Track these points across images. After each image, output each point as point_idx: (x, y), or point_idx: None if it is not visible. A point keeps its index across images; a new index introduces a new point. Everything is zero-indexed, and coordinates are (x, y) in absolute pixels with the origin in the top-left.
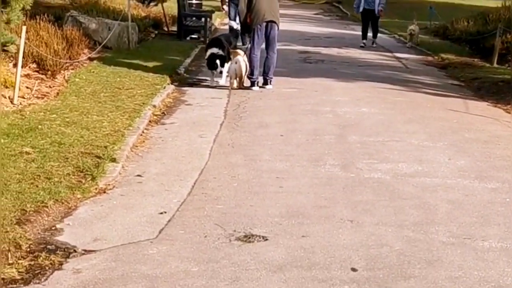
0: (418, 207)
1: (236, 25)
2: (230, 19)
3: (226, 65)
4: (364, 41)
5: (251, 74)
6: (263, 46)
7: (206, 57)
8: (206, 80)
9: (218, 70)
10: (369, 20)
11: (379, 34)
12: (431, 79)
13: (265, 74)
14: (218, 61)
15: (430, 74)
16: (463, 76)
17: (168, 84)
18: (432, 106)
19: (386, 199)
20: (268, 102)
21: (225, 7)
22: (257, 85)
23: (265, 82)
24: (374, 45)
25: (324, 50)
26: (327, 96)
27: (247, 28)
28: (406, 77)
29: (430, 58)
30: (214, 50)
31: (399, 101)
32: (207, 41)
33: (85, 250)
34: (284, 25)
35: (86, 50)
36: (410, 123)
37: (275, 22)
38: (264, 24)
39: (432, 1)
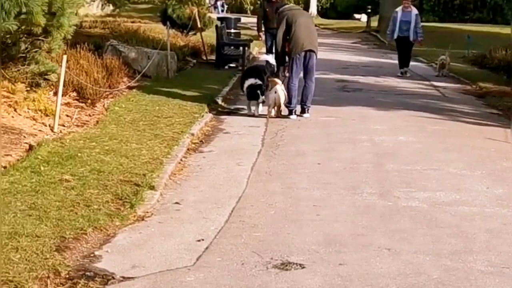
0: (456, 235)
1: (272, 59)
2: (266, 50)
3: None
4: (402, 71)
5: (289, 103)
6: (301, 75)
7: (245, 87)
8: (244, 109)
9: (260, 100)
10: (403, 47)
11: (415, 63)
12: (469, 108)
13: (303, 102)
14: (259, 91)
15: (468, 103)
16: (501, 105)
17: (206, 112)
18: (470, 135)
19: (423, 228)
20: (306, 130)
21: (262, 35)
22: (295, 114)
23: (303, 111)
24: (408, 75)
25: (361, 79)
26: (364, 124)
27: (283, 58)
28: (444, 105)
29: (468, 87)
30: (252, 80)
31: (437, 130)
32: (243, 70)
33: (123, 277)
34: (322, 54)
35: (125, 79)
36: (448, 151)
37: (313, 51)
38: (303, 53)
39: (470, 30)
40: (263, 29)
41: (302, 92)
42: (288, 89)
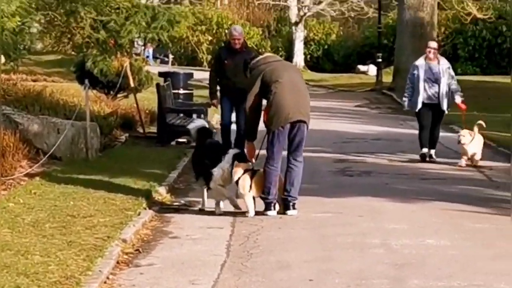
0: None
1: (203, 122)
2: (221, 127)
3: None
4: (425, 150)
5: (266, 194)
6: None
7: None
8: (200, 202)
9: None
10: (429, 119)
11: (446, 134)
12: None
13: (286, 194)
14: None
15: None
16: None
17: (145, 208)
18: None
19: None
20: (291, 232)
21: (217, 102)
22: (275, 209)
23: (286, 206)
24: (434, 158)
25: (370, 158)
26: (376, 222)
27: (255, 133)
28: (491, 194)
29: None
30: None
31: (481, 229)
32: (195, 148)
33: None
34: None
35: (24, 162)
36: (498, 260)
37: (304, 122)
38: (289, 125)
39: None
40: (219, 93)
41: (285, 178)
42: (266, 175)
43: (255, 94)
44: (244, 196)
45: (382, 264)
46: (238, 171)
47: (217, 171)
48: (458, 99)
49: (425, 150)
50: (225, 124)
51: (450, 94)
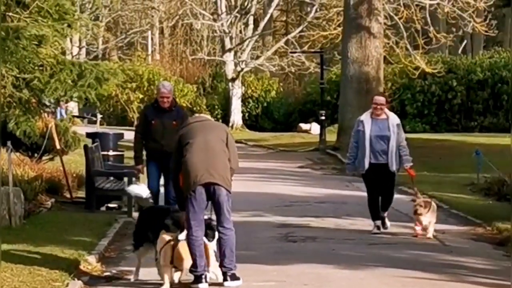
0: None
1: (144, 190)
2: (149, 186)
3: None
4: (378, 223)
5: (193, 266)
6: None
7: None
8: (132, 272)
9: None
10: (379, 183)
11: (397, 195)
12: (483, 261)
13: (221, 264)
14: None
15: (481, 254)
16: None
17: (73, 279)
18: None
19: None
20: None
21: (143, 167)
22: (206, 281)
23: (224, 277)
24: (388, 228)
25: (314, 222)
26: None
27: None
28: (444, 259)
29: (480, 230)
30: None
31: None
32: (140, 214)
33: None
34: (253, 185)
35: None
36: None
37: (218, 185)
38: (201, 189)
39: (478, 143)
40: (144, 157)
41: (219, 247)
42: (188, 246)
43: (176, 158)
44: (162, 267)
45: None
46: (162, 241)
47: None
48: (408, 164)
49: (378, 223)
50: (152, 192)
51: (399, 156)
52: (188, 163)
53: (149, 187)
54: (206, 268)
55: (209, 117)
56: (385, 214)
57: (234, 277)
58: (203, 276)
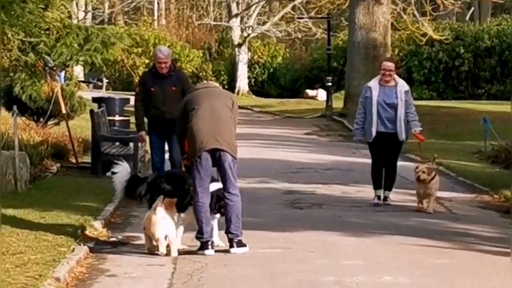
0: None
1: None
2: (152, 167)
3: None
4: (379, 193)
5: (199, 232)
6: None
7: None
8: (139, 237)
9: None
10: (385, 152)
11: (403, 162)
12: (489, 229)
13: (226, 230)
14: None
15: (487, 222)
16: None
17: (79, 245)
18: (493, 271)
19: None
20: (237, 270)
21: (145, 135)
22: (212, 248)
23: (230, 243)
24: (389, 201)
25: (321, 189)
26: (329, 259)
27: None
28: (451, 227)
29: (487, 198)
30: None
31: (442, 265)
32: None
33: None
34: (258, 151)
35: None
36: None
37: (224, 151)
38: (206, 154)
39: (486, 110)
40: (145, 125)
41: (225, 212)
42: (195, 211)
43: (181, 124)
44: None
45: None
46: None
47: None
48: (416, 129)
49: (379, 192)
50: (157, 166)
51: (407, 122)
52: (194, 129)
53: (153, 161)
54: (212, 235)
55: (216, 84)
56: (388, 194)
57: (241, 244)
58: (209, 243)
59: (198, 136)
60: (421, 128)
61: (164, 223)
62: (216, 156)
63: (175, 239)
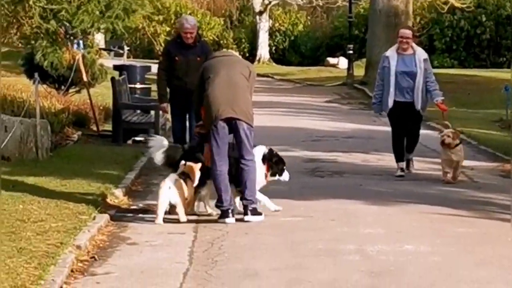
0: None
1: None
2: (174, 137)
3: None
4: (402, 165)
5: (218, 201)
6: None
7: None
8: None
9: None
10: (404, 122)
11: (425, 131)
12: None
13: (242, 197)
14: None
15: (509, 190)
16: None
17: (100, 213)
18: None
19: None
20: (258, 238)
21: (167, 106)
22: (233, 216)
23: (245, 211)
24: (412, 170)
25: (342, 157)
26: (350, 227)
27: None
28: (473, 196)
29: (508, 166)
30: None
31: (464, 234)
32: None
33: None
34: (279, 119)
35: None
36: (483, 266)
37: (240, 120)
38: (222, 123)
39: (507, 79)
40: (167, 98)
41: (241, 178)
42: (213, 180)
43: (198, 92)
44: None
45: (358, 272)
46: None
47: None
48: (438, 98)
49: (402, 165)
50: (178, 136)
51: (427, 93)
52: (210, 97)
53: (173, 127)
54: (232, 203)
55: (234, 52)
56: (411, 157)
57: (255, 212)
58: (230, 211)
59: (214, 104)
60: (443, 98)
61: (169, 192)
62: (232, 124)
63: (181, 206)
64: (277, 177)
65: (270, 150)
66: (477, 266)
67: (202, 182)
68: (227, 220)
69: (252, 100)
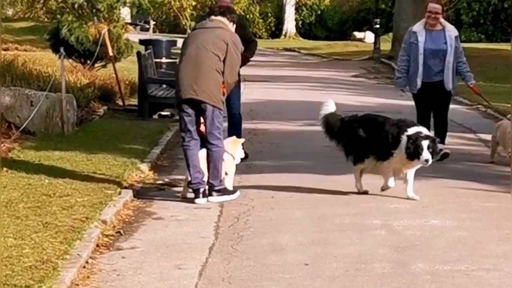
0: None
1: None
2: None
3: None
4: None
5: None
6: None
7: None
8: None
9: None
10: (431, 105)
11: (452, 106)
12: None
13: (207, 180)
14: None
15: None
16: None
17: (126, 187)
18: None
19: None
20: (284, 213)
21: None
22: (203, 196)
23: (209, 193)
24: (444, 151)
25: None
26: (376, 202)
27: None
28: (500, 171)
29: None
30: None
31: (490, 209)
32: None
33: None
34: (306, 94)
35: None
36: (509, 241)
37: (203, 102)
38: (185, 105)
39: None
40: None
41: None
42: (184, 155)
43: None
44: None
45: (384, 246)
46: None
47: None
48: (472, 81)
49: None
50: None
51: (457, 73)
52: (177, 77)
53: None
54: (201, 181)
55: (215, 23)
56: (441, 147)
57: (223, 192)
58: (200, 190)
59: (178, 85)
60: (474, 81)
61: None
62: (195, 106)
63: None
64: None
65: None
66: (503, 241)
67: None
68: (196, 200)
69: (278, 74)
